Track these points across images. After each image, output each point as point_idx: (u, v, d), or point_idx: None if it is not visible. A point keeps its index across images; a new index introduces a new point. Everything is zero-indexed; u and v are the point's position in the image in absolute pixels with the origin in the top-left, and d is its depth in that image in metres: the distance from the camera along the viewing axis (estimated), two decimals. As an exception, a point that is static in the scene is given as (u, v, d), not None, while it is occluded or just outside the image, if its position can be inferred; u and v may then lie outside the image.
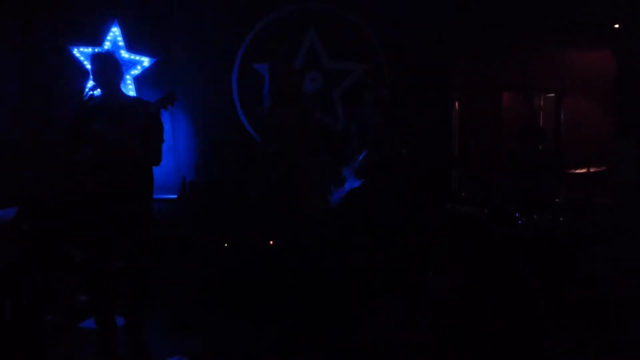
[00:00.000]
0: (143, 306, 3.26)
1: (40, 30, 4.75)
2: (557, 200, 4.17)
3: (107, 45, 4.74)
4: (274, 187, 3.34)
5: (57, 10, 4.78)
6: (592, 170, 4.02)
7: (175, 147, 5.04)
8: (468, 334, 3.19)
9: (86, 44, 4.76)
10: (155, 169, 3.22)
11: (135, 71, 4.86)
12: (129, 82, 4.82)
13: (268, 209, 3.35)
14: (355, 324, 3.49)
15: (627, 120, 5.22)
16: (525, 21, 5.12)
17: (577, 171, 4.13)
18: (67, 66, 4.76)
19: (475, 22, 5.09)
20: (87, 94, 3.04)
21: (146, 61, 4.88)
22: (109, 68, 3.04)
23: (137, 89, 4.86)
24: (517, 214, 4.03)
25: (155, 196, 3.40)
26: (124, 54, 4.79)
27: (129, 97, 3.30)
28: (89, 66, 3.31)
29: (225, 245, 4.16)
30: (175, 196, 4.86)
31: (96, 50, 4.52)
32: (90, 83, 3.05)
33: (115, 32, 4.78)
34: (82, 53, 4.73)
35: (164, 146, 3.24)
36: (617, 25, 5.27)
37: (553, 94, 5.66)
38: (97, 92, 3.09)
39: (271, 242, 3.68)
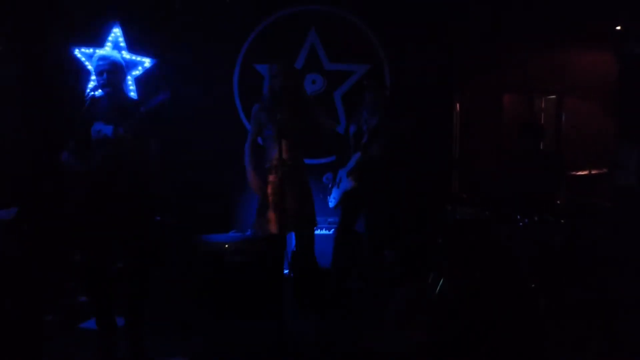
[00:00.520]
0: (143, 306, 3.25)
1: (41, 30, 4.75)
2: (557, 201, 4.17)
3: (108, 45, 4.74)
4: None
5: (58, 10, 4.79)
6: (593, 172, 4.01)
7: (176, 147, 5.03)
8: (469, 334, 3.19)
9: (87, 44, 4.77)
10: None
11: (137, 72, 4.86)
12: (130, 82, 4.82)
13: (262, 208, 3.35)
14: (356, 326, 3.49)
15: (628, 122, 5.21)
16: (526, 22, 5.13)
17: (577, 173, 4.12)
18: (68, 66, 4.76)
19: (476, 23, 5.10)
20: (88, 94, 3.05)
21: (147, 62, 4.88)
22: (111, 69, 3.04)
23: (138, 89, 4.87)
24: (517, 216, 4.03)
25: (155, 196, 3.40)
26: (126, 54, 4.79)
27: (131, 97, 3.30)
28: (90, 67, 3.33)
29: (226, 245, 4.15)
30: (176, 196, 4.85)
31: (98, 50, 4.52)
32: (92, 84, 3.05)
33: (116, 32, 4.79)
34: (83, 53, 4.74)
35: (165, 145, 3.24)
36: (618, 27, 5.27)
37: (554, 96, 5.66)
38: (99, 92, 3.09)
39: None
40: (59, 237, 4.16)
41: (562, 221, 4.01)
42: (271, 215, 3.25)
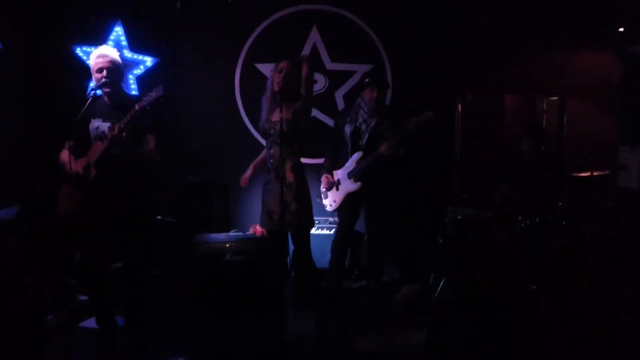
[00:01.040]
0: (144, 306, 3.25)
1: (42, 29, 4.75)
2: (558, 202, 4.16)
3: (110, 44, 4.73)
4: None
5: (60, 9, 4.78)
6: (594, 173, 4.00)
7: (177, 146, 5.03)
8: (469, 335, 3.18)
9: (89, 43, 4.76)
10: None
11: (138, 71, 4.86)
12: (131, 81, 4.82)
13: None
14: (356, 327, 3.49)
15: (630, 123, 5.20)
16: (529, 23, 5.12)
17: (579, 174, 4.11)
18: (69, 65, 4.76)
19: (479, 24, 5.09)
20: (89, 93, 3.04)
21: (149, 61, 4.88)
22: (109, 66, 3.03)
23: (140, 88, 4.86)
24: (518, 217, 4.02)
25: (156, 195, 3.40)
26: (127, 53, 4.79)
27: (129, 95, 3.29)
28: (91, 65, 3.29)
29: (227, 245, 4.15)
30: (177, 196, 4.85)
31: (98, 49, 4.51)
32: (93, 82, 3.05)
33: (118, 31, 4.78)
34: (84, 52, 4.73)
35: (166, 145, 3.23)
36: (620, 28, 5.26)
37: (556, 97, 5.65)
38: (100, 92, 3.08)
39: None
40: (60, 237, 4.16)
41: (563, 222, 4.01)
42: (271, 214, 3.23)
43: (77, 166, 2.96)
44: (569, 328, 3.35)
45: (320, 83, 5.13)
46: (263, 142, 3.63)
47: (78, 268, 3.86)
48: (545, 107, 5.85)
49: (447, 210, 4.45)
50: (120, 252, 3.16)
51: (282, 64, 3.21)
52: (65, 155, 3.01)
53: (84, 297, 3.85)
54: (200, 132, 5.07)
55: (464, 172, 5.15)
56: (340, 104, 5.15)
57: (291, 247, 3.40)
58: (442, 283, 4.04)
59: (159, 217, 4.55)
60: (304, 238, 3.31)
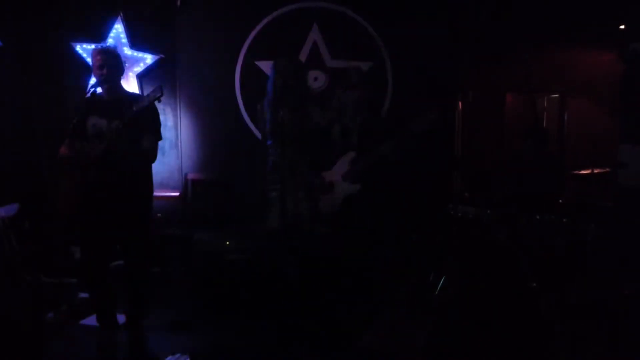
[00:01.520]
0: (144, 304, 3.25)
1: (42, 27, 4.74)
2: (559, 201, 4.16)
3: (110, 41, 4.73)
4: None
5: (60, 6, 4.78)
6: (595, 171, 3.99)
7: (177, 144, 5.04)
8: (469, 334, 3.18)
9: (89, 40, 4.76)
10: (157, 166, 3.21)
11: (138, 68, 4.85)
12: (131, 79, 4.82)
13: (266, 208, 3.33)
14: (356, 325, 3.49)
15: (631, 121, 5.19)
16: (529, 21, 5.10)
17: (580, 172, 4.10)
18: (69, 62, 4.76)
19: (479, 22, 5.07)
20: (89, 90, 3.04)
21: (149, 58, 4.88)
22: (108, 63, 3.03)
23: (140, 86, 4.86)
24: (519, 215, 4.02)
25: (157, 193, 3.39)
26: (127, 51, 4.79)
27: (128, 92, 3.29)
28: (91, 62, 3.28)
29: (227, 243, 4.15)
30: (178, 193, 4.86)
31: (98, 46, 4.51)
32: (93, 80, 3.04)
33: (118, 28, 4.78)
34: (84, 50, 4.73)
35: (166, 143, 3.23)
36: (622, 26, 5.24)
37: (557, 95, 5.64)
38: (99, 89, 3.08)
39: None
40: (60, 235, 4.16)
41: (564, 220, 4.00)
42: (271, 213, 3.24)
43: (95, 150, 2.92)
44: (569, 327, 3.34)
45: (321, 80, 5.12)
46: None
47: (78, 266, 3.86)
48: (545, 105, 5.84)
49: (447, 209, 4.44)
50: (121, 250, 3.16)
51: (288, 63, 3.20)
52: (62, 151, 3.00)
53: (84, 295, 3.84)
54: (200, 130, 5.06)
55: (465, 171, 5.14)
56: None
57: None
58: (442, 282, 4.03)
59: (159, 214, 4.56)
60: (309, 235, 3.31)
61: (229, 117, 5.08)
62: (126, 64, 4.62)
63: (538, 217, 3.92)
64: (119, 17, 4.77)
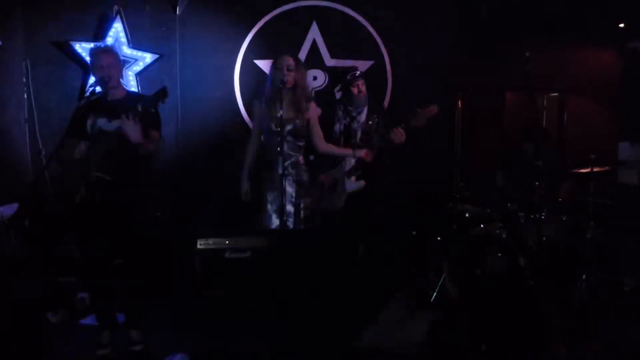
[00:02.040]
0: (144, 303, 3.25)
1: (41, 25, 4.74)
2: (559, 199, 4.16)
3: (109, 41, 4.72)
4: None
5: (58, 5, 4.77)
6: (595, 169, 3.99)
7: (177, 142, 5.03)
8: (469, 333, 3.19)
9: (88, 39, 4.75)
10: (157, 165, 3.20)
11: (138, 67, 4.84)
12: (131, 78, 4.81)
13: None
14: (356, 324, 3.49)
15: (630, 119, 5.20)
16: (529, 19, 5.10)
17: (580, 171, 4.10)
18: (68, 61, 4.75)
19: (479, 20, 5.07)
20: (88, 89, 3.03)
21: (148, 57, 4.87)
22: (108, 62, 3.02)
23: (139, 85, 4.85)
24: (519, 213, 4.02)
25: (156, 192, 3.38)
26: (126, 50, 4.78)
27: (128, 91, 3.29)
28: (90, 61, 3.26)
29: (227, 242, 4.15)
30: (177, 192, 4.85)
31: (97, 45, 4.51)
32: (92, 79, 3.04)
33: (117, 27, 4.77)
34: (84, 49, 4.72)
35: (165, 141, 3.22)
36: (622, 25, 5.24)
37: (556, 93, 5.64)
38: (99, 88, 3.08)
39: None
40: (60, 233, 4.15)
41: (564, 218, 4.01)
42: (272, 212, 3.23)
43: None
44: (569, 325, 3.35)
45: (320, 79, 5.12)
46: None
47: (78, 265, 3.85)
48: (545, 104, 5.84)
49: (447, 207, 4.44)
50: (121, 249, 3.15)
51: (290, 61, 3.19)
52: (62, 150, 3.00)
53: (83, 295, 3.84)
54: (200, 129, 5.06)
55: (464, 169, 5.14)
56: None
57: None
58: (441, 280, 4.03)
59: (159, 213, 4.55)
60: (309, 234, 3.31)
61: (228, 116, 5.07)
62: (125, 63, 4.63)
63: (538, 215, 3.93)
64: (118, 16, 4.76)
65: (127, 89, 3.68)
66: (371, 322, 3.50)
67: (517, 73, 5.24)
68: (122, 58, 3.18)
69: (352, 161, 3.88)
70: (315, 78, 5.09)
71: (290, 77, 3.18)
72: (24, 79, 4.67)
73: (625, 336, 3.23)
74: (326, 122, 4.07)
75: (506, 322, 3.23)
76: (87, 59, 4.68)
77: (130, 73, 4.79)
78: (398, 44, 5.12)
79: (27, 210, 4.02)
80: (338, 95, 5.13)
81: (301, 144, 3.24)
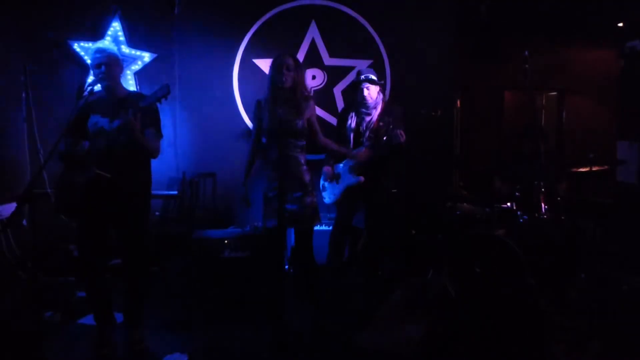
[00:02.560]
0: (142, 302, 3.24)
1: (40, 25, 4.73)
2: (557, 198, 4.16)
3: (107, 40, 4.72)
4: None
5: (57, 4, 4.76)
6: (594, 169, 3.99)
7: (175, 142, 5.03)
8: (468, 331, 3.18)
9: (87, 38, 4.75)
10: (155, 164, 3.20)
11: (136, 66, 4.84)
12: (129, 77, 4.80)
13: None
14: (355, 324, 3.48)
15: (628, 119, 5.20)
16: (528, 19, 5.11)
17: (579, 170, 4.11)
18: (67, 61, 4.75)
19: (478, 20, 5.08)
20: (87, 88, 3.02)
21: (147, 56, 4.87)
22: (108, 62, 3.02)
23: (138, 84, 4.85)
24: (518, 213, 4.02)
25: (155, 192, 3.37)
26: (125, 49, 4.78)
27: (129, 91, 3.28)
28: (89, 61, 3.27)
29: (225, 241, 4.15)
30: (176, 192, 4.84)
31: (96, 44, 4.50)
32: (91, 78, 3.03)
33: (116, 26, 4.77)
34: (82, 48, 4.71)
35: (164, 141, 3.22)
36: (620, 24, 5.25)
37: (555, 93, 5.64)
38: (98, 87, 3.07)
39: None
40: (58, 233, 4.15)
41: (562, 217, 4.01)
42: (272, 211, 3.22)
43: None
44: (567, 324, 3.34)
45: (319, 79, 5.12)
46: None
47: (76, 264, 3.84)
48: (544, 103, 5.85)
49: (446, 206, 4.45)
50: (121, 248, 3.15)
51: (289, 61, 3.18)
52: (62, 149, 2.99)
53: (82, 294, 3.83)
54: (199, 128, 5.05)
55: (464, 168, 5.14)
56: (339, 100, 5.14)
57: (290, 243, 3.39)
58: (441, 279, 4.03)
59: (158, 213, 4.54)
60: (308, 234, 3.30)
61: (227, 115, 5.07)
62: (124, 62, 4.62)
63: (537, 214, 3.93)
64: (117, 15, 4.75)
65: (128, 88, 3.67)
66: (370, 322, 3.49)
67: (516, 73, 5.28)
68: (120, 57, 3.16)
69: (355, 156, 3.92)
70: (314, 77, 5.09)
71: (289, 77, 3.17)
72: (23, 78, 4.66)
73: (624, 336, 3.22)
74: (341, 118, 4.13)
75: (506, 321, 3.23)
76: (86, 58, 4.68)
77: (128, 72, 4.78)
78: (397, 43, 5.12)
79: (25, 210, 4.01)
80: (337, 93, 5.15)
81: (301, 143, 3.22)
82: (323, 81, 5.13)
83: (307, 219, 3.21)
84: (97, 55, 3.01)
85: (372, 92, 3.94)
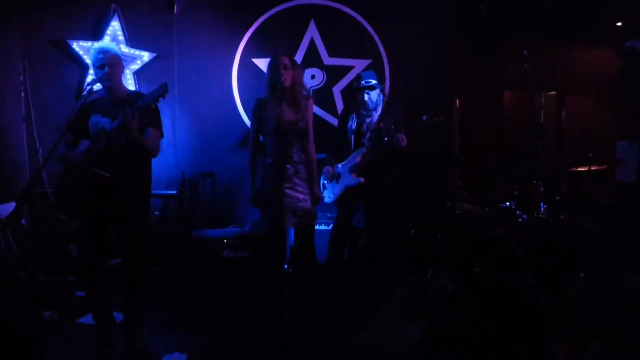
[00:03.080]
0: (142, 302, 3.24)
1: (39, 24, 4.72)
2: (557, 197, 4.16)
3: (106, 39, 4.71)
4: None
5: (56, 3, 4.75)
6: (593, 168, 3.99)
7: (174, 142, 5.02)
8: (468, 331, 3.18)
9: (86, 38, 4.74)
10: (154, 164, 3.19)
11: (135, 66, 4.84)
12: (128, 77, 4.80)
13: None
14: (355, 324, 3.48)
15: (628, 118, 5.20)
16: (527, 19, 5.11)
17: (578, 169, 4.11)
18: (66, 60, 4.74)
19: (477, 20, 5.08)
20: (86, 88, 3.02)
21: (146, 56, 4.86)
22: (111, 63, 3.01)
23: (137, 83, 4.84)
24: (517, 212, 4.02)
25: (154, 192, 3.37)
26: (124, 48, 4.77)
27: (129, 90, 3.27)
28: (88, 60, 3.26)
29: (225, 241, 4.14)
30: (175, 192, 4.84)
31: (96, 44, 4.49)
32: (90, 77, 3.03)
33: (115, 26, 4.76)
34: (81, 47, 4.71)
35: (163, 141, 3.22)
36: (619, 23, 5.25)
37: (554, 92, 5.65)
38: (97, 86, 3.07)
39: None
40: (58, 232, 4.14)
41: (562, 217, 4.01)
42: (272, 211, 3.21)
43: None
44: (567, 324, 3.34)
45: (318, 78, 5.11)
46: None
47: (76, 264, 3.84)
48: (543, 103, 5.86)
49: (446, 206, 4.45)
50: (119, 248, 3.14)
51: (286, 60, 3.17)
52: (63, 149, 2.99)
53: (81, 294, 3.83)
54: (198, 127, 5.05)
55: (464, 168, 5.14)
56: (338, 99, 5.14)
57: (290, 243, 3.39)
58: (440, 279, 4.03)
59: (157, 212, 4.53)
60: (309, 233, 3.30)
61: (226, 114, 5.07)
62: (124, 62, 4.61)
63: (536, 213, 3.93)
64: (116, 14, 4.75)
65: (127, 88, 3.66)
66: (370, 322, 3.49)
67: (516, 73, 5.28)
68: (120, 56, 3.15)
69: (357, 158, 3.92)
70: (313, 77, 5.09)
71: (287, 76, 3.16)
72: (22, 78, 4.66)
73: (624, 336, 3.22)
74: (342, 120, 4.13)
75: (505, 321, 3.23)
76: (85, 57, 4.68)
77: (128, 72, 4.78)
78: (396, 42, 5.12)
79: (24, 210, 4.00)
80: (336, 93, 5.14)
81: (301, 142, 3.22)
82: (322, 81, 5.12)
83: (307, 217, 3.21)
84: (100, 55, 3.00)
85: (372, 96, 3.94)
